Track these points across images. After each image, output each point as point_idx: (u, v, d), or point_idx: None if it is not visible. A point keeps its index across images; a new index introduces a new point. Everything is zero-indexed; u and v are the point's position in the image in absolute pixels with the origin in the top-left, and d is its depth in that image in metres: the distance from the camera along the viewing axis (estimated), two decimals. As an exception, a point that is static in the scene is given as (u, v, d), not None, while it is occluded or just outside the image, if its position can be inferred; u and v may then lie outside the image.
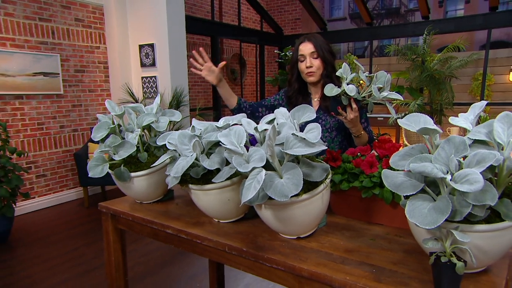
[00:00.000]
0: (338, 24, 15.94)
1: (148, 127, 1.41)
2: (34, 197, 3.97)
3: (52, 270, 2.66)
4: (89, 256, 2.86)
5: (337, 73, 1.44)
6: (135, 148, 1.27)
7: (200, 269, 2.65)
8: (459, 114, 0.86)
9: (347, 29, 7.12)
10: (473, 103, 0.85)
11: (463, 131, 0.75)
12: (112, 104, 1.35)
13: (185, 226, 1.22)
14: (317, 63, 1.66)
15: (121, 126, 1.40)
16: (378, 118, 6.17)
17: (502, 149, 0.74)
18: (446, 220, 0.71)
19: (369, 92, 1.43)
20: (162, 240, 1.30)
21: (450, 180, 0.70)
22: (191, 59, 1.72)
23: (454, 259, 0.74)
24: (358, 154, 1.26)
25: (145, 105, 1.49)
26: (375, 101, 1.46)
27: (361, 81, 1.48)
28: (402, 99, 1.44)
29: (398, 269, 0.89)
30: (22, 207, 3.82)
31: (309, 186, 0.99)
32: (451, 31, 5.76)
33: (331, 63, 1.69)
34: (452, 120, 0.84)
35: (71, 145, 4.28)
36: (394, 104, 5.78)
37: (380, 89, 1.41)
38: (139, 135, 1.36)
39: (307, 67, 1.67)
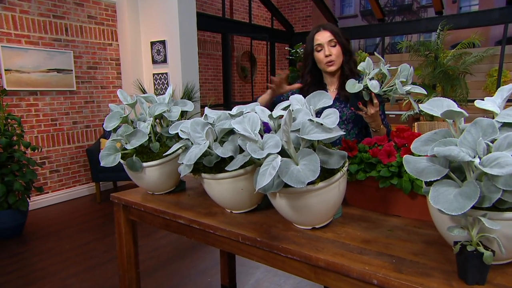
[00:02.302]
0: (349, 21, 15.77)
1: (160, 117, 1.39)
2: (47, 192, 4.01)
3: (65, 263, 2.67)
4: (101, 250, 2.87)
5: (359, 67, 1.39)
6: (147, 137, 1.25)
7: (211, 263, 2.63)
8: (485, 98, 0.82)
9: (358, 25, 7.03)
10: None
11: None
12: (124, 93, 1.33)
13: (197, 216, 1.20)
14: (336, 50, 1.60)
15: (133, 116, 1.38)
16: (390, 115, 6.07)
17: (534, 132, 0.70)
18: (473, 206, 0.67)
19: (391, 86, 1.37)
20: (174, 231, 1.28)
21: (479, 163, 0.66)
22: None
23: (481, 248, 0.70)
24: (375, 143, 1.22)
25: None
26: (397, 95, 1.40)
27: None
28: (426, 93, 1.34)
29: (420, 260, 0.85)
30: (36, 201, 3.86)
31: (325, 174, 0.95)
32: (465, 27, 5.63)
33: (349, 49, 1.64)
34: (478, 103, 0.79)
35: (83, 141, 4.31)
36: (407, 101, 5.68)
37: (402, 83, 1.35)
38: (151, 125, 1.34)
39: (326, 56, 1.61)
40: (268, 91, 1.66)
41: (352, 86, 1.36)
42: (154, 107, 1.32)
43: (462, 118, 0.78)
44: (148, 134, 1.33)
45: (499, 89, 0.81)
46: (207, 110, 1.21)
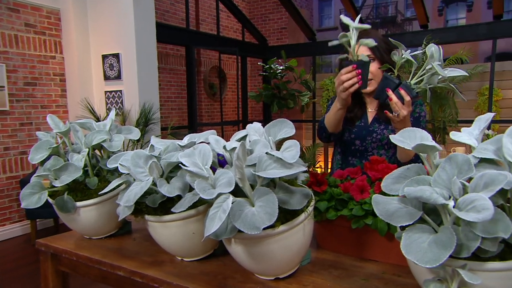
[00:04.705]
0: (329, 34, 16.35)
1: (100, 147, 1.34)
2: (-29, 233, 3.77)
3: (-14, 322, 2.48)
4: (34, 304, 2.69)
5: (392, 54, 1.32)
6: (81, 172, 1.19)
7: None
8: (462, 129, 0.83)
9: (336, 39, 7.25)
10: None
11: (470, 151, 0.71)
12: (55, 119, 1.28)
13: (141, 267, 1.14)
14: (373, 68, 1.52)
15: (66, 146, 1.32)
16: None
17: (513, 169, 0.70)
18: (450, 256, 0.65)
19: (421, 76, 1.28)
20: (112, 285, 1.21)
21: (453, 207, 0.66)
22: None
23: (462, 305, 0.68)
24: (348, 177, 1.22)
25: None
26: (432, 86, 1.29)
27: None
28: (467, 74, 1.26)
29: (396, 318, 0.83)
30: (-44, 245, 3.62)
31: (287, 215, 0.93)
32: (452, 41, 5.92)
33: (391, 64, 1.49)
34: (453, 135, 0.80)
35: (17, 170, 4.12)
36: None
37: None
38: (88, 157, 1.28)
39: None
40: (336, 104, 1.51)
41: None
42: (92, 135, 1.27)
43: (437, 153, 0.78)
44: (84, 168, 1.27)
45: (476, 118, 0.83)
46: (153, 140, 1.18)
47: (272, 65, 6.03)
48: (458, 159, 0.70)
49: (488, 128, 5.50)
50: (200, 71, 7.45)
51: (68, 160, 1.24)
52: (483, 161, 0.73)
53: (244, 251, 0.96)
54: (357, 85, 1.39)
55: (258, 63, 7.65)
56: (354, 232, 1.12)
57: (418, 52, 1.35)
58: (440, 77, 1.25)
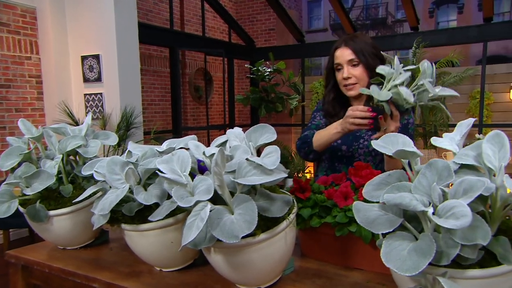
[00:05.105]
0: (318, 36, 16.51)
1: (76, 154, 1.33)
2: None
3: None
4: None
5: (378, 70, 1.30)
6: (54, 180, 1.18)
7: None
8: (444, 134, 0.85)
9: (326, 41, 7.33)
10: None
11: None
12: (26, 124, 1.27)
13: (117, 278, 1.14)
14: (358, 72, 1.55)
15: (39, 152, 1.31)
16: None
17: (494, 176, 0.72)
18: (430, 264, 0.67)
19: (413, 91, 1.28)
20: (87, 298, 1.20)
21: (433, 214, 0.67)
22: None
23: (443, 314, 0.70)
24: (332, 183, 1.23)
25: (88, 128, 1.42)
26: (422, 103, 1.29)
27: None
28: (457, 95, 1.24)
29: (378, 327, 0.84)
30: None
31: (268, 223, 0.94)
32: (443, 44, 6.03)
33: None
34: (434, 141, 0.82)
35: (-9, 177, 4.06)
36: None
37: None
38: (63, 163, 1.28)
39: (344, 79, 1.57)
40: (338, 127, 1.49)
41: (379, 93, 1.27)
42: (66, 141, 1.26)
43: (418, 159, 0.79)
44: (58, 175, 1.26)
45: (458, 124, 0.85)
46: (130, 145, 1.18)
47: (259, 67, 6.05)
48: (438, 165, 0.72)
49: (480, 132, 5.60)
50: (185, 73, 7.44)
51: (40, 167, 1.23)
52: (464, 167, 0.75)
53: (224, 260, 0.96)
54: (367, 127, 1.39)
55: (246, 65, 7.66)
56: (338, 240, 1.13)
57: (407, 63, 1.36)
58: (431, 94, 1.25)
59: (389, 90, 1.27)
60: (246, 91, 6.74)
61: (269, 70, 6.08)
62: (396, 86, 1.27)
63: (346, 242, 1.14)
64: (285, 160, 5.94)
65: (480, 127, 5.74)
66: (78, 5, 4.38)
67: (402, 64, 1.31)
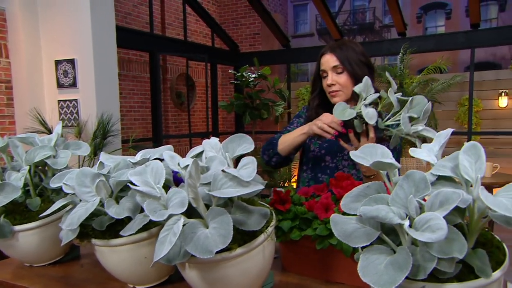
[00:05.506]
0: (305, 41, 16.67)
1: (44, 165, 1.32)
2: None
3: None
4: None
5: (354, 89, 1.35)
6: (20, 192, 1.17)
7: None
8: (422, 145, 0.87)
9: (312, 46, 7.41)
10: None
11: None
12: (-8, 133, 1.25)
13: (87, 297, 1.12)
14: (342, 80, 1.58)
15: (5, 163, 1.29)
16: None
17: (471, 187, 0.74)
18: (407, 278, 0.68)
19: (397, 121, 1.32)
20: (55, 318, 1.18)
21: (410, 226, 0.68)
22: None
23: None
24: (313, 194, 1.24)
25: (62, 136, 1.40)
26: (402, 135, 1.32)
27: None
28: (433, 137, 1.22)
29: None
30: None
31: (245, 237, 0.94)
32: (430, 50, 6.16)
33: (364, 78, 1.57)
34: (412, 152, 0.84)
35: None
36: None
37: (412, 120, 1.28)
38: (30, 175, 1.26)
39: (328, 85, 1.60)
40: (304, 128, 1.55)
41: (342, 112, 1.31)
42: (34, 151, 1.25)
43: (396, 170, 0.81)
44: (25, 187, 1.25)
45: (437, 134, 0.87)
46: (102, 156, 1.17)
47: (244, 73, 6.07)
48: (415, 177, 0.73)
49: (469, 140, 5.71)
50: (166, 79, 7.42)
51: (5, 179, 1.21)
52: (441, 178, 0.77)
53: (199, 276, 0.96)
54: (330, 136, 1.44)
55: (229, 71, 7.70)
56: (319, 253, 1.14)
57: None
58: (406, 130, 1.26)
59: (359, 109, 1.30)
60: (230, 97, 6.77)
61: (253, 76, 6.10)
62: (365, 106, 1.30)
63: (327, 255, 1.15)
64: (270, 170, 5.96)
65: (469, 134, 5.86)
66: (52, 7, 4.34)
67: (399, 94, 1.32)
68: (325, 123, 1.43)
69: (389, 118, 1.37)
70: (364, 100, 1.32)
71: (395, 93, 1.32)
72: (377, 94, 1.33)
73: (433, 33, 14.72)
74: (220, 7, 8.70)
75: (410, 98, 1.27)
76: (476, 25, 5.69)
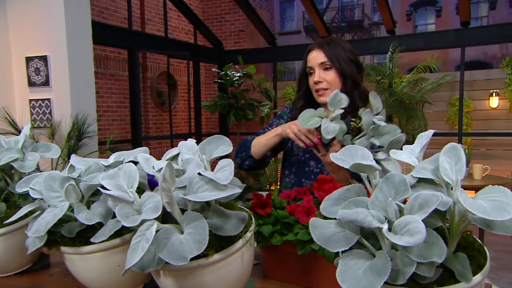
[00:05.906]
0: (292, 38, 16.75)
1: (11, 168, 1.30)
2: None
3: None
4: None
5: (327, 99, 1.34)
6: (-16, 198, 1.15)
7: None
8: (404, 146, 0.88)
9: (299, 44, 7.45)
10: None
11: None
12: (-46, 135, 1.23)
13: (57, 308, 1.11)
14: (330, 77, 1.58)
15: (-30, 166, 1.27)
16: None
17: (452, 189, 0.76)
18: (386, 283, 0.69)
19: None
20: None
21: (388, 230, 0.70)
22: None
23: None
24: (295, 197, 1.25)
25: (33, 138, 1.38)
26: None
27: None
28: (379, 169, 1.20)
29: None
30: None
31: (222, 243, 0.94)
32: (420, 48, 6.25)
33: (353, 76, 1.59)
34: (393, 153, 0.85)
35: None
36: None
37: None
38: (-5, 179, 1.24)
39: (315, 83, 1.60)
40: (278, 129, 1.57)
41: (306, 119, 1.33)
42: (-1, 154, 1.23)
43: (376, 172, 0.82)
44: (-11, 192, 1.23)
45: (418, 135, 0.88)
46: (72, 159, 1.16)
47: (228, 72, 6.06)
48: (395, 180, 0.74)
49: (460, 141, 5.80)
50: (146, 77, 7.39)
51: (-31, 184, 1.19)
52: (422, 181, 0.78)
53: (175, 284, 0.95)
54: (303, 144, 1.45)
55: (213, 69, 7.67)
56: (301, 258, 1.15)
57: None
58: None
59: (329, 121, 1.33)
60: (214, 97, 6.74)
61: (238, 74, 6.10)
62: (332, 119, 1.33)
63: (309, 261, 1.16)
64: (256, 173, 5.97)
65: (460, 136, 5.95)
66: (22, 1, 4.29)
67: (379, 116, 1.32)
68: (302, 132, 1.44)
69: (359, 138, 1.35)
70: (333, 113, 1.32)
71: (376, 114, 1.32)
72: (339, 111, 1.31)
73: (423, 31, 14.96)
74: (203, 3, 8.69)
75: (382, 124, 1.27)
76: (466, 23, 5.79)
